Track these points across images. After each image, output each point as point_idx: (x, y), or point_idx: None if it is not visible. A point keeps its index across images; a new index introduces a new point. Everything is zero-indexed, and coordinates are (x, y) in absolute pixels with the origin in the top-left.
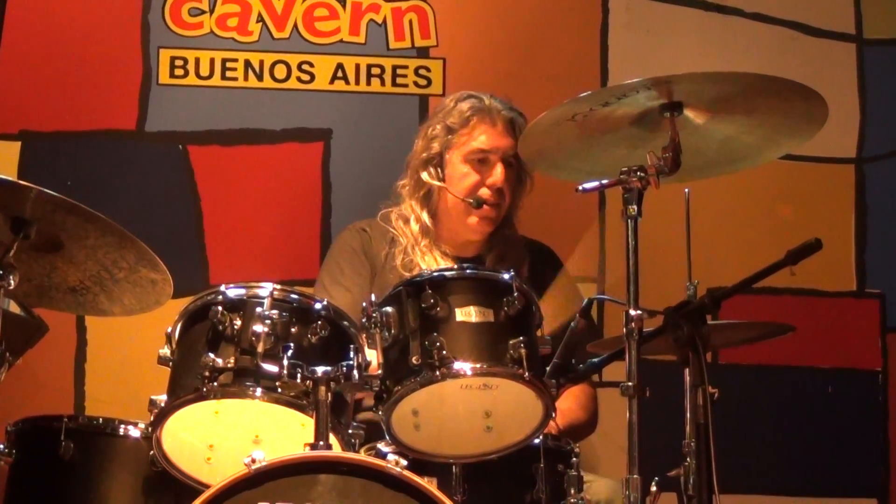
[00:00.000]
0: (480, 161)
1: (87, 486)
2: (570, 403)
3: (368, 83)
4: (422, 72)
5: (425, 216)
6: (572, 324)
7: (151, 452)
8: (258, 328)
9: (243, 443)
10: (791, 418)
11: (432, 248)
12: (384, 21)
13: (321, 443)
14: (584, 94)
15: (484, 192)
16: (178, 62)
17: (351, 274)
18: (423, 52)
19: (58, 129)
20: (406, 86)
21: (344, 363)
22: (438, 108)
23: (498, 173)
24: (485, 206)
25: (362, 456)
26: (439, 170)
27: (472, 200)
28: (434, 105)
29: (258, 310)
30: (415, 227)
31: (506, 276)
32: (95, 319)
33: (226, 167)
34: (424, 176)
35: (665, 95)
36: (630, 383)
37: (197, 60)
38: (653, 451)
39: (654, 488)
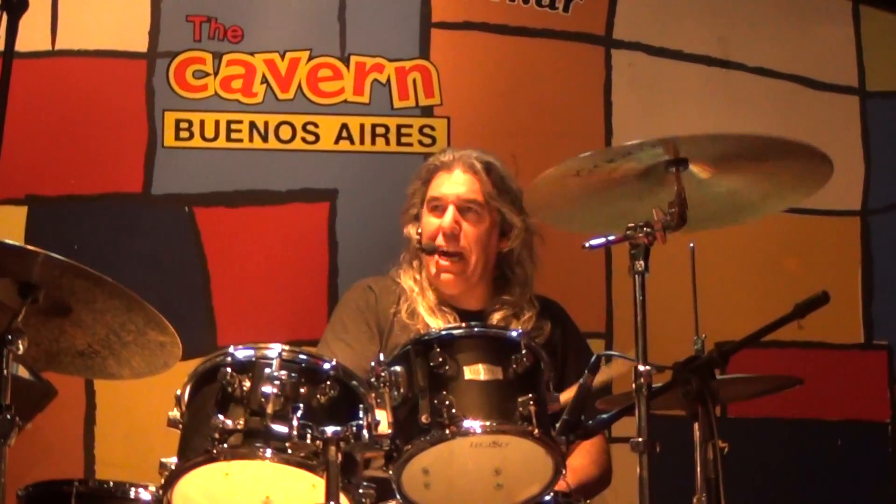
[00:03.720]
0: (437, 208)
1: None
2: (581, 460)
3: (373, 143)
4: (426, 130)
5: (415, 271)
6: (581, 380)
7: None
8: (267, 389)
9: None
10: (800, 471)
11: (439, 303)
12: (388, 81)
13: (332, 503)
14: (586, 154)
15: (439, 240)
16: (183, 125)
17: (354, 331)
18: (427, 111)
19: (64, 194)
20: (411, 144)
21: (353, 423)
22: (419, 168)
23: (447, 217)
24: (436, 255)
25: None
26: (418, 226)
27: (422, 247)
28: None
29: (267, 371)
30: (410, 282)
31: (514, 334)
32: (104, 383)
33: (232, 229)
34: (405, 232)
35: (670, 152)
36: (640, 439)
37: (202, 123)
38: None
39: None
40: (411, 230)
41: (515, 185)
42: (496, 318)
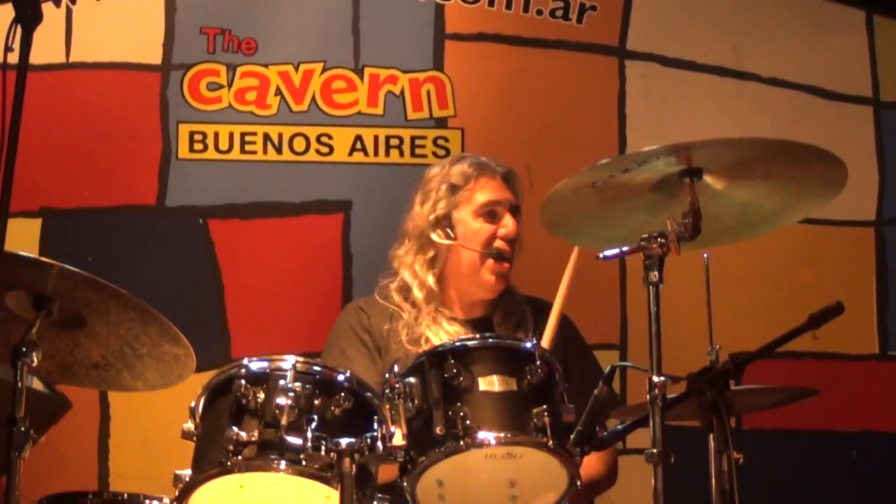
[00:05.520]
0: (490, 214)
1: None
2: (589, 458)
3: (387, 154)
4: (440, 142)
5: (431, 280)
6: (595, 391)
7: None
8: (282, 401)
9: None
10: (816, 483)
11: (437, 313)
12: (402, 92)
13: None
14: (604, 161)
15: (499, 244)
16: (198, 136)
17: (354, 355)
18: (441, 123)
19: (78, 206)
20: (425, 156)
21: (368, 434)
22: (431, 175)
23: (509, 222)
24: (503, 260)
25: None
26: (448, 230)
27: (490, 252)
28: None
29: (281, 383)
30: (419, 293)
31: (528, 345)
32: (118, 395)
33: (246, 240)
34: (434, 237)
35: (684, 161)
36: (654, 450)
37: (216, 134)
38: None
39: None
40: (440, 234)
41: None
42: (497, 322)
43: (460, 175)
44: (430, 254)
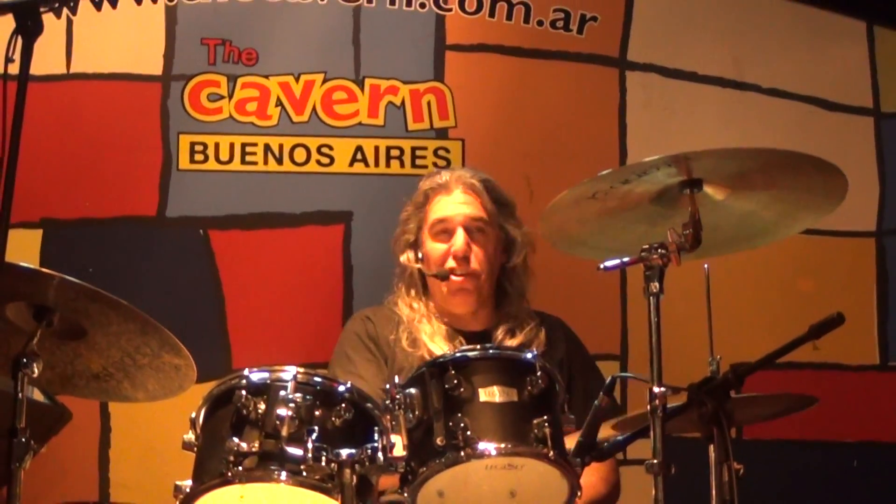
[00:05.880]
0: (444, 232)
1: None
2: (591, 478)
3: (388, 165)
4: (441, 153)
5: (413, 297)
6: (596, 402)
7: None
8: (282, 412)
9: None
10: (817, 493)
11: (431, 322)
12: (402, 103)
13: None
14: (605, 172)
15: (450, 263)
16: (198, 147)
17: (360, 363)
18: (441, 133)
19: (79, 217)
20: (425, 167)
21: (368, 445)
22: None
23: (458, 241)
24: (451, 277)
25: None
26: (417, 251)
27: (436, 274)
28: None
29: (282, 393)
30: (407, 310)
31: (529, 356)
32: (119, 405)
33: (247, 251)
34: (402, 259)
35: (684, 172)
36: (655, 461)
37: (217, 145)
38: None
39: None
40: (409, 256)
41: (511, 197)
42: (500, 335)
43: (420, 194)
44: (407, 274)
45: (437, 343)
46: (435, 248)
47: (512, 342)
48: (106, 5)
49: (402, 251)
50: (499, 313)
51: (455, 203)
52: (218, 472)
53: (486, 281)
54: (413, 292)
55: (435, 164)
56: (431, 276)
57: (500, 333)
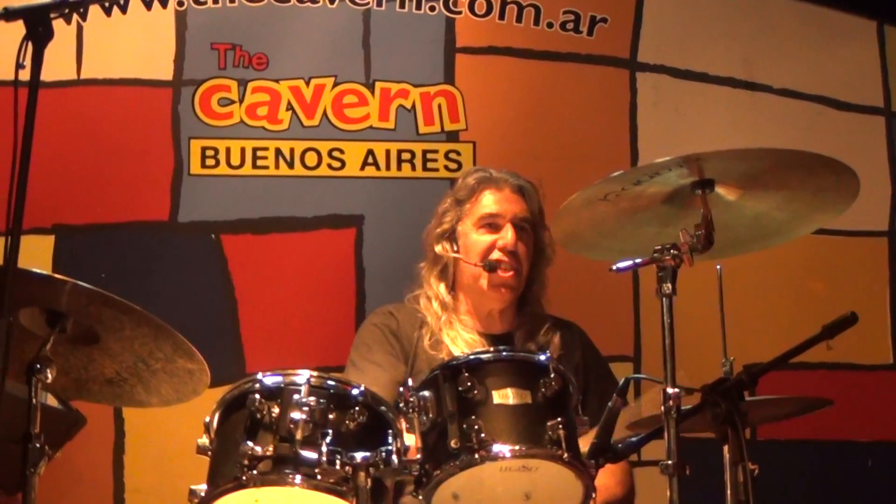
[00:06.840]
0: (490, 226)
1: None
2: (606, 480)
3: (399, 168)
4: (452, 155)
5: (443, 291)
6: (610, 404)
7: None
8: (296, 415)
9: None
10: (831, 493)
11: (454, 324)
12: (413, 106)
13: None
14: (616, 173)
15: (496, 255)
16: (209, 152)
17: (380, 351)
18: (452, 136)
19: (91, 222)
20: (437, 170)
21: (383, 448)
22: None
23: (508, 235)
24: (499, 271)
25: None
26: (453, 243)
27: (484, 264)
28: None
29: (296, 397)
30: (434, 304)
31: (542, 358)
32: (133, 410)
33: (259, 256)
34: (438, 249)
35: (696, 173)
36: (670, 462)
37: (228, 150)
38: None
39: None
40: (445, 247)
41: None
42: (520, 339)
43: (465, 188)
44: (440, 266)
45: (458, 346)
46: (480, 239)
47: (530, 346)
48: (116, 11)
49: (437, 242)
50: (520, 316)
51: (506, 199)
52: (232, 475)
53: (523, 280)
54: (444, 285)
55: (446, 167)
56: (475, 265)
57: (519, 337)
